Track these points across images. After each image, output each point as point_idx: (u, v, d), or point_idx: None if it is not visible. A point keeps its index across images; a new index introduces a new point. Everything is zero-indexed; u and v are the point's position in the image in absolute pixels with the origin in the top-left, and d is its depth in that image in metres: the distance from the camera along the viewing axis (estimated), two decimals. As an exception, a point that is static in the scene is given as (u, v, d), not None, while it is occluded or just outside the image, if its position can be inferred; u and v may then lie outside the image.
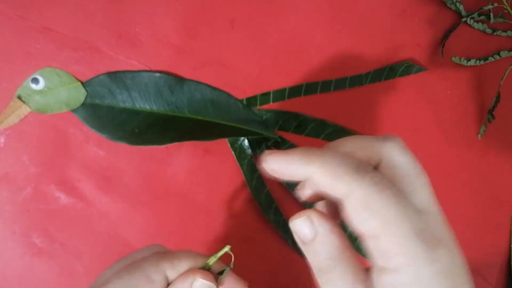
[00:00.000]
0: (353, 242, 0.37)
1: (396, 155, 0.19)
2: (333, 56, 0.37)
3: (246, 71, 0.36)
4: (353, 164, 0.18)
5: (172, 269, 0.21)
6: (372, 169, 0.18)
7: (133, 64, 0.34)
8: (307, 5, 0.36)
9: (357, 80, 0.37)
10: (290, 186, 0.37)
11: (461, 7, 0.38)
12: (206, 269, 0.22)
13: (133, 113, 0.34)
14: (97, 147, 0.34)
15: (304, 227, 0.19)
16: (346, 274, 0.19)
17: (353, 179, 0.17)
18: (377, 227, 0.17)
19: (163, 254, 0.22)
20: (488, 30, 0.39)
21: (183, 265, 0.22)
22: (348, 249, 0.19)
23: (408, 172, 0.19)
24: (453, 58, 0.39)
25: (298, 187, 0.21)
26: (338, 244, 0.19)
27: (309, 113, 0.37)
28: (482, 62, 0.39)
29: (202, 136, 0.34)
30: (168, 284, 0.21)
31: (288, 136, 0.37)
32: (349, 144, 0.20)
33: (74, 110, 0.33)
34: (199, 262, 0.22)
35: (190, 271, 0.21)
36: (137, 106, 0.34)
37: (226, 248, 0.22)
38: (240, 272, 0.37)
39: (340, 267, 0.19)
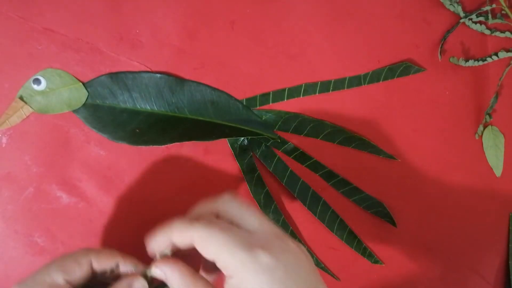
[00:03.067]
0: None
1: (226, 202, 0.27)
2: (332, 57, 0.37)
3: (246, 71, 0.36)
4: (189, 220, 0.25)
5: (97, 261, 0.27)
6: (204, 218, 0.25)
7: (134, 65, 0.35)
8: (306, 6, 0.37)
9: (356, 81, 0.37)
10: (290, 186, 0.37)
11: (460, 8, 0.39)
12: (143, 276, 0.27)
13: (134, 113, 0.34)
14: (98, 147, 0.34)
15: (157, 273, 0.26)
16: None
17: (189, 229, 0.25)
18: (214, 252, 0.24)
19: (92, 248, 0.28)
20: (487, 31, 0.39)
21: (108, 260, 0.27)
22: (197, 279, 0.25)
23: (237, 210, 0.27)
24: (451, 59, 0.39)
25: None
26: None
27: (309, 113, 0.37)
28: (480, 62, 0.39)
29: (202, 136, 0.34)
30: (93, 272, 0.26)
31: (288, 136, 0.37)
32: (197, 208, 0.28)
33: (75, 111, 0.34)
34: (123, 261, 0.28)
35: (133, 273, 0.27)
36: (138, 106, 0.34)
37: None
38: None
39: None
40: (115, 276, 0.27)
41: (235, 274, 0.24)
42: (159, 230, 0.26)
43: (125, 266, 0.27)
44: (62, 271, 0.25)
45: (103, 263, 0.27)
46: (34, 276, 0.25)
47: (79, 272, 0.26)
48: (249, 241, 0.24)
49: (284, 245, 0.26)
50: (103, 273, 0.27)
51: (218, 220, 0.26)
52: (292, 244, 0.26)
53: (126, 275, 0.27)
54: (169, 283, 0.25)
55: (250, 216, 0.26)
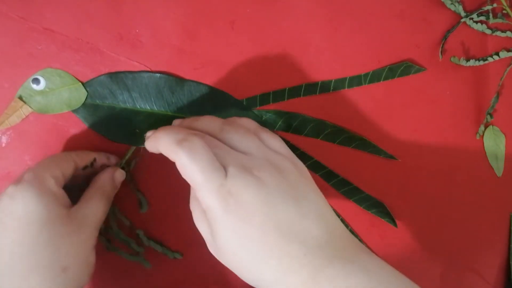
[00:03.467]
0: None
1: (231, 124, 0.29)
2: (332, 56, 0.37)
3: (246, 71, 0.36)
4: (177, 140, 0.26)
5: (78, 158, 0.31)
6: (197, 139, 0.26)
7: (134, 65, 0.34)
8: (306, 5, 0.37)
9: (356, 81, 0.37)
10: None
11: (460, 8, 0.38)
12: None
13: (134, 113, 0.34)
14: (98, 147, 0.34)
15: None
16: None
17: (173, 152, 0.26)
18: (191, 183, 0.26)
19: (71, 151, 0.33)
20: (487, 31, 0.39)
21: (87, 156, 0.32)
22: None
23: (238, 135, 0.28)
24: (452, 59, 0.39)
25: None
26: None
27: (309, 113, 0.37)
28: (481, 62, 0.39)
29: (202, 136, 0.34)
30: (76, 168, 0.31)
31: (288, 136, 0.37)
32: (204, 120, 0.29)
33: (75, 111, 0.34)
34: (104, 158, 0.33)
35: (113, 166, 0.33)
36: (138, 106, 0.34)
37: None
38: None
39: None
40: (94, 170, 0.32)
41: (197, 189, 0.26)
42: (151, 135, 0.28)
43: (101, 158, 0.33)
44: (59, 168, 0.29)
45: (83, 159, 0.32)
46: (39, 170, 0.28)
47: (70, 168, 0.30)
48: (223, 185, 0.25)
49: (272, 171, 0.26)
50: (84, 168, 0.32)
51: (213, 146, 0.26)
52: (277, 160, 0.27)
53: (106, 167, 0.33)
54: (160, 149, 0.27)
55: (249, 141, 0.27)
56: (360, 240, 0.38)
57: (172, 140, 0.26)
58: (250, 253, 0.25)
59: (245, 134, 0.28)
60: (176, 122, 0.31)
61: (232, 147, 0.27)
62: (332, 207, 0.37)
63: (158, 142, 0.27)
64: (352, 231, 0.38)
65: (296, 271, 0.24)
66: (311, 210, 0.26)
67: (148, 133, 0.29)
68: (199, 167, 0.25)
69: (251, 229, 0.24)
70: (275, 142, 0.29)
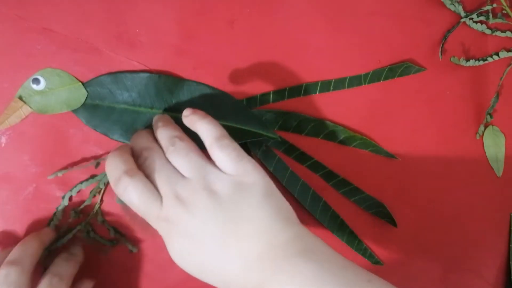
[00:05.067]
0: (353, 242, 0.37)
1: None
2: (332, 56, 0.37)
3: (246, 71, 0.36)
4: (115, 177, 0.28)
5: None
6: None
7: (133, 65, 0.34)
8: (306, 5, 0.37)
9: (356, 81, 0.37)
10: (290, 186, 0.37)
11: (460, 8, 0.38)
12: None
13: (134, 113, 0.34)
14: (97, 147, 0.34)
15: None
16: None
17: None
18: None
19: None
20: (487, 31, 0.39)
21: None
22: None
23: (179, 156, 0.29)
24: (452, 59, 0.39)
25: None
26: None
27: (309, 113, 0.37)
28: (481, 62, 0.39)
29: (202, 136, 0.34)
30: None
31: (288, 136, 0.37)
32: (139, 140, 0.31)
33: (74, 111, 0.34)
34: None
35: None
36: (137, 106, 0.34)
37: None
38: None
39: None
40: None
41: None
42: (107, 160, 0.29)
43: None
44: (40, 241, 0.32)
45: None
46: (22, 248, 0.30)
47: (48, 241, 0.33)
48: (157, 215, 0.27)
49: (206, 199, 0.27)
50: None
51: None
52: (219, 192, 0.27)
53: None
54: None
55: (190, 165, 0.28)
56: (360, 241, 0.38)
57: (112, 179, 0.28)
58: (198, 274, 0.27)
59: (187, 157, 0.28)
60: (154, 118, 0.33)
61: (175, 167, 0.28)
62: (332, 207, 0.37)
63: (108, 167, 0.29)
64: (352, 231, 0.38)
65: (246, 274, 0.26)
66: (249, 229, 0.26)
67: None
68: (136, 204, 0.27)
69: (191, 259, 0.27)
70: (225, 159, 0.28)
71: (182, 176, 0.28)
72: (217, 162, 0.28)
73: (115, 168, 0.28)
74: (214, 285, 0.27)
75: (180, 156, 0.28)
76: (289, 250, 0.26)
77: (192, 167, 0.28)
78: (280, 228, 0.26)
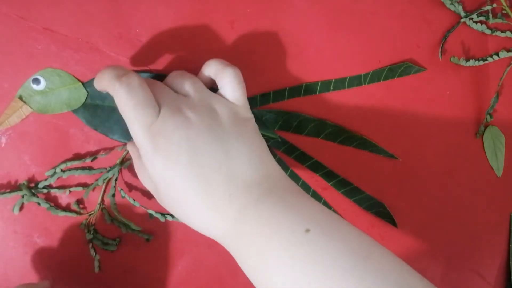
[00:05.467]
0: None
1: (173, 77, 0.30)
2: (332, 56, 0.37)
3: (245, 71, 0.36)
4: (117, 74, 0.27)
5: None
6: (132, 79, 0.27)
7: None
8: (306, 5, 0.37)
9: (356, 81, 0.37)
10: (290, 186, 0.37)
11: (460, 8, 0.39)
12: None
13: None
14: (98, 147, 0.34)
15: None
16: None
17: (112, 89, 0.27)
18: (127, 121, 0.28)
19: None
20: (487, 31, 0.39)
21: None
22: None
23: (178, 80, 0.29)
24: (452, 59, 0.39)
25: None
26: None
27: (309, 113, 0.37)
28: (481, 62, 0.39)
29: (202, 136, 0.34)
30: None
31: (288, 136, 0.37)
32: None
33: (75, 111, 0.34)
34: None
35: None
36: (138, 106, 0.34)
37: None
38: (239, 271, 0.37)
39: None
40: None
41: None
42: (99, 73, 0.28)
43: None
44: None
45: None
46: None
47: None
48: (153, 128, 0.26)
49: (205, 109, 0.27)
50: None
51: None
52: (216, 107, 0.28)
53: None
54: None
55: (190, 85, 0.28)
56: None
57: (113, 75, 0.26)
58: (180, 194, 0.25)
59: (188, 79, 0.29)
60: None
61: (174, 90, 0.28)
62: (332, 207, 0.37)
63: (102, 77, 0.27)
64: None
65: (223, 211, 0.25)
66: (243, 152, 0.26)
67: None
68: (133, 102, 0.25)
69: (178, 170, 0.25)
70: (228, 86, 0.29)
71: (184, 95, 0.28)
72: (221, 89, 0.29)
73: (118, 69, 0.27)
74: (181, 212, 0.27)
75: (182, 77, 0.29)
76: (282, 183, 0.26)
77: (194, 88, 0.28)
78: (274, 166, 0.28)
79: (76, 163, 0.34)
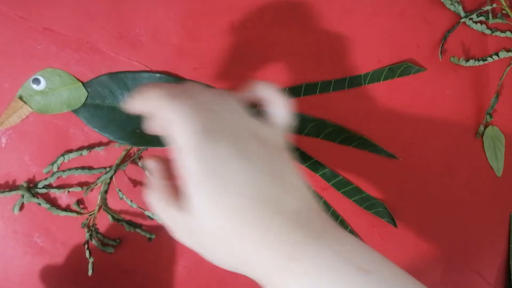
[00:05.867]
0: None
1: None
2: (332, 56, 0.37)
3: (245, 71, 0.36)
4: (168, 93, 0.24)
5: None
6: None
7: (134, 65, 0.34)
8: (306, 6, 0.37)
9: (356, 81, 0.37)
10: (290, 186, 0.37)
11: (460, 8, 0.39)
12: None
13: (134, 113, 0.34)
14: (98, 147, 0.34)
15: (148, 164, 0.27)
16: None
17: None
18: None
19: None
20: (487, 31, 0.39)
21: None
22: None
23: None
24: (452, 59, 0.39)
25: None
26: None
27: (309, 113, 0.37)
28: (481, 62, 0.39)
29: (202, 136, 0.34)
30: None
31: (288, 136, 0.37)
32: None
33: (75, 111, 0.34)
34: None
35: None
36: (138, 106, 0.34)
37: None
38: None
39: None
40: None
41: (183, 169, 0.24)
42: (143, 92, 0.25)
43: None
44: None
45: None
46: None
47: None
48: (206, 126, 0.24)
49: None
50: None
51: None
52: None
53: None
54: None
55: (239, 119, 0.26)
56: (355, 234, 0.38)
57: (164, 93, 0.24)
58: (227, 223, 0.23)
59: (236, 112, 0.26)
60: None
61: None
62: (332, 207, 0.37)
63: (147, 95, 0.25)
64: (352, 231, 0.38)
65: (276, 248, 0.23)
66: (294, 187, 0.25)
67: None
68: (190, 121, 0.23)
69: (231, 198, 0.23)
70: (282, 118, 0.28)
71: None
72: (272, 114, 0.28)
73: (168, 88, 0.25)
74: (234, 255, 0.24)
75: (227, 108, 0.26)
76: (323, 222, 0.24)
77: (241, 121, 0.26)
78: (314, 200, 0.25)
79: (73, 155, 0.34)
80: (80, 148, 0.34)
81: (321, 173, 0.37)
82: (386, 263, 0.24)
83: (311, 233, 0.23)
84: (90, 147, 0.34)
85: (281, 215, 0.23)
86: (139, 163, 0.35)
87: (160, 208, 0.25)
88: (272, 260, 0.23)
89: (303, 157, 0.37)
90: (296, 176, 0.25)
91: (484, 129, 0.40)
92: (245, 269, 0.24)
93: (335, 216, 0.37)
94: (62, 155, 0.34)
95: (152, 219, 0.35)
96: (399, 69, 0.38)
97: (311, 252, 0.23)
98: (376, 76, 0.38)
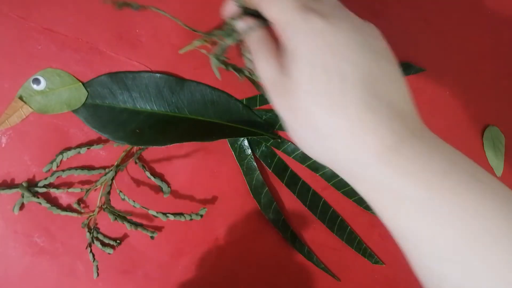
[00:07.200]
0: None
1: None
2: (332, 57, 0.37)
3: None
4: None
5: None
6: None
7: (134, 65, 0.34)
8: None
9: (356, 81, 0.37)
10: (290, 186, 0.37)
11: (460, 8, 0.39)
12: None
13: (134, 113, 0.34)
14: (97, 145, 0.34)
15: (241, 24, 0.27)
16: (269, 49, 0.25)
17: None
18: (270, 13, 0.24)
19: None
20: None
21: None
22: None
23: None
24: (452, 58, 0.39)
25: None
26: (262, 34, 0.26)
27: (309, 113, 0.37)
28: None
29: (202, 136, 0.34)
30: None
31: (288, 136, 0.37)
32: None
33: (75, 111, 0.34)
34: None
35: None
36: (138, 106, 0.34)
37: None
38: (239, 272, 0.38)
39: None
40: None
41: (288, 36, 0.23)
42: None
43: None
44: None
45: None
46: None
47: None
48: (306, 4, 0.23)
49: (345, 14, 0.24)
50: None
51: None
52: (357, 19, 0.24)
53: None
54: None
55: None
56: (360, 240, 0.38)
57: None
58: (327, 106, 0.21)
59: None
60: None
61: None
62: (332, 207, 0.37)
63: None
64: (352, 231, 0.38)
65: (379, 136, 0.21)
66: (399, 79, 0.23)
67: None
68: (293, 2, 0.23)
69: (333, 78, 0.21)
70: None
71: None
72: None
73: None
74: (329, 141, 0.22)
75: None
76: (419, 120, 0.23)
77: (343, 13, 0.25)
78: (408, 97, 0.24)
79: (72, 153, 0.34)
80: (79, 146, 0.34)
81: (321, 173, 0.37)
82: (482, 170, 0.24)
83: (412, 130, 0.22)
84: (89, 144, 0.34)
85: (385, 106, 0.22)
86: (138, 162, 0.35)
87: (262, 58, 0.25)
88: (367, 150, 0.22)
89: (304, 157, 0.37)
90: (399, 72, 0.23)
91: (484, 129, 0.40)
92: (332, 151, 0.23)
93: (335, 216, 0.37)
94: (61, 153, 0.34)
95: (156, 217, 0.35)
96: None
97: (413, 148, 0.21)
98: (376, 76, 0.38)
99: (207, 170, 0.36)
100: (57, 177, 0.34)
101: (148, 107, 0.34)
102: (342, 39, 0.22)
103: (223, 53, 0.29)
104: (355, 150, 0.22)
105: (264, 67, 0.25)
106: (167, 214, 0.35)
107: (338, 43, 0.22)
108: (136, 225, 0.35)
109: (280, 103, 0.24)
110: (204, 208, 0.36)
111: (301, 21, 0.22)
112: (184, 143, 0.35)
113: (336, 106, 0.22)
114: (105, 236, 0.35)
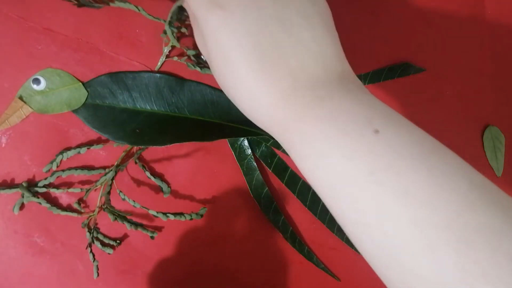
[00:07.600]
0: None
1: None
2: (332, 57, 0.37)
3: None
4: None
5: None
6: None
7: (134, 65, 0.34)
8: (306, 6, 0.37)
9: (356, 81, 0.37)
10: (290, 186, 0.37)
11: (460, 8, 0.39)
12: None
13: (134, 113, 0.34)
14: (97, 144, 0.34)
15: None
16: None
17: None
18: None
19: None
20: (487, 31, 0.39)
21: None
22: None
23: None
24: (452, 58, 0.39)
25: None
26: None
27: (309, 113, 0.37)
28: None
29: (202, 136, 0.34)
30: None
31: (288, 136, 0.37)
32: None
33: (75, 111, 0.34)
34: None
35: None
36: (138, 106, 0.34)
37: None
38: (240, 271, 0.38)
39: None
40: None
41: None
42: None
43: None
44: None
45: None
46: None
47: None
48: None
49: None
50: None
51: None
52: None
53: None
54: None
55: None
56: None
57: None
58: (236, 79, 0.22)
59: None
60: None
61: None
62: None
63: None
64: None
65: (282, 107, 0.22)
66: (308, 42, 0.23)
67: None
68: None
69: (236, 53, 0.22)
70: None
71: None
72: None
73: None
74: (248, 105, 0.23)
75: None
76: (344, 80, 0.24)
77: None
78: (339, 59, 0.24)
79: (72, 153, 0.33)
80: (79, 146, 0.34)
81: (321, 173, 0.37)
82: (398, 116, 0.23)
83: (321, 96, 0.22)
84: (89, 144, 0.34)
85: (288, 76, 0.22)
86: (138, 162, 0.35)
87: (196, 33, 0.26)
88: (275, 122, 0.22)
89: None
90: (317, 31, 0.23)
91: (484, 129, 0.40)
92: (256, 112, 0.24)
93: (335, 216, 0.37)
94: (61, 153, 0.34)
95: (156, 217, 0.35)
96: (399, 69, 0.38)
97: (317, 115, 0.22)
98: (376, 76, 0.38)
99: (207, 170, 0.36)
100: (57, 177, 0.34)
101: (148, 107, 0.34)
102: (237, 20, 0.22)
103: (175, 19, 0.31)
104: (257, 99, 0.23)
105: (198, 42, 0.27)
106: (167, 214, 0.35)
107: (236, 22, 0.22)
108: (136, 225, 0.35)
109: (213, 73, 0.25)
110: (204, 207, 0.36)
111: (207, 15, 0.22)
112: (184, 143, 0.35)
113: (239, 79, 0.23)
114: (105, 236, 0.35)
